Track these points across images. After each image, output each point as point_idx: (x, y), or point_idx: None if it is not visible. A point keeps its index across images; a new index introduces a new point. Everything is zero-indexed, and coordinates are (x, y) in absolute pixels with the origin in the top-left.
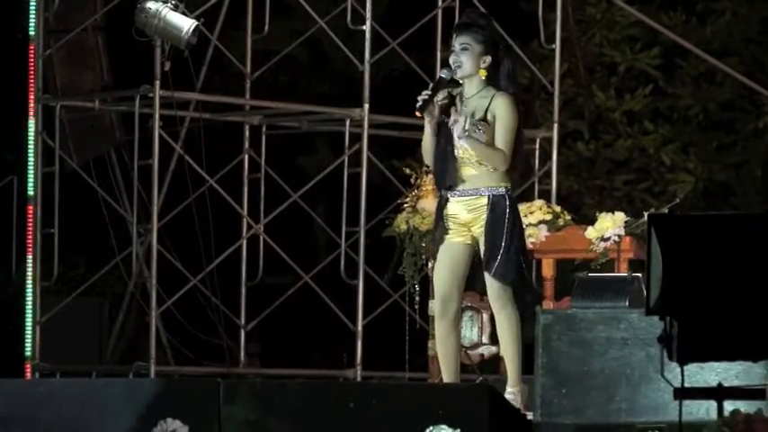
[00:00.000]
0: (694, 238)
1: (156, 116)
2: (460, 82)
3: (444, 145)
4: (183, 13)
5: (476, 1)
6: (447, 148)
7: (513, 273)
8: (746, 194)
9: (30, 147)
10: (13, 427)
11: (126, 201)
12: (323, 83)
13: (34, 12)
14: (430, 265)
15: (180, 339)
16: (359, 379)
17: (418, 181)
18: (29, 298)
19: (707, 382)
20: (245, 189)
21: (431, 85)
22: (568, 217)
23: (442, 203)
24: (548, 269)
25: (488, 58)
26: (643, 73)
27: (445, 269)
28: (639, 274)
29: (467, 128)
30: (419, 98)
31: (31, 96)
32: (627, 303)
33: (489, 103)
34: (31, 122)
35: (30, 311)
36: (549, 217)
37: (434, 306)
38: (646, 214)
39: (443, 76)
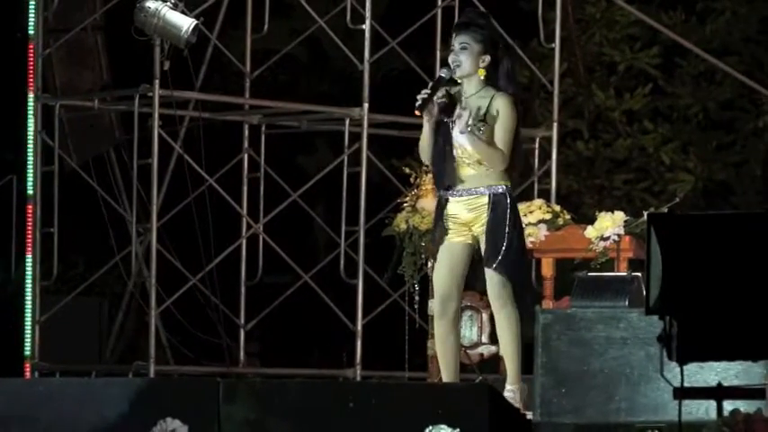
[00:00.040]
0: (694, 238)
1: (156, 115)
2: (459, 81)
3: (442, 145)
4: (183, 13)
5: (475, 0)
6: (445, 148)
7: (514, 269)
8: (746, 194)
9: (29, 146)
10: (12, 426)
11: (125, 200)
12: (322, 82)
13: (33, 11)
14: (429, 264)
15: (179, 339)
16: (358, 378)
17: (418, 180)
18: (28, 297)
19: (706, 382)
20: (245, 188)
21: (430, 85)
22: (568, 216)
23: (442, 203)
24: (547, 268)
25: (487, 58)
26: (643, 72)
27: (445, 269)
28: (639, 274)
29: (470, 123)
30: (418, 97)
31: (31, 95)
32: (626, 303)
33: (489, 104)
34: (31, 122)
35: (29, 311)
36: (548, 216)
37: (434, 306)
38: (645, 214)
39: (443, 75)
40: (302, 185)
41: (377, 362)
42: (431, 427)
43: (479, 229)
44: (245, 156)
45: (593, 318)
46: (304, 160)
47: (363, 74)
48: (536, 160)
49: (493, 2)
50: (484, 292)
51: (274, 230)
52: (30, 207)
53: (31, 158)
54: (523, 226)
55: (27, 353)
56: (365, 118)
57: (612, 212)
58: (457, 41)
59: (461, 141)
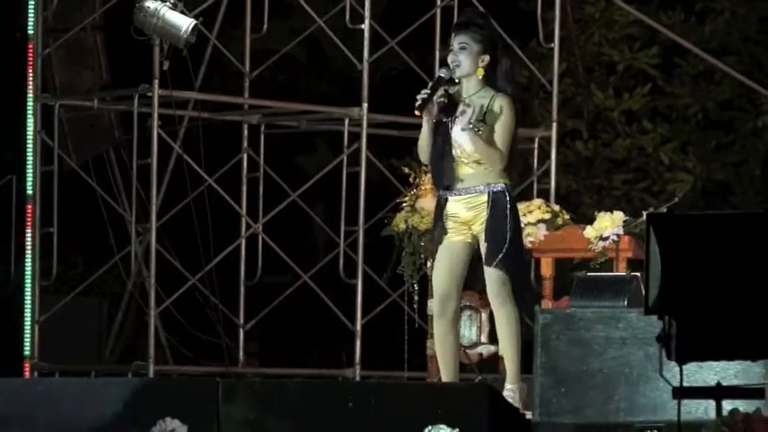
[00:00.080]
0: (693, 238)
1: (155, 115)
2: (458, 81)
3: (441, 144)
4: (182, 12)
5: (474, 0)
6: (444, 148)
7: (514, 267)
8: (745, 193)
9: (28, 146)
10: (12, 426)
11: (125, 200)
12: (322, 82)
13: (33, 11)
14: (429, 264)
15: (179, 339)
16: (358, 378)
17: (417, 180)
18: (28, 297)
19: (705, 382)
20: (244, 188)
21: (430, 85)
22: (567, 216)
23: (441, 203)
24: (546, 268)
25: (487, 58)
26: (642, 72)
27: (444, 268)
28: (638, 274)
29: (472, 121)
30: (418, 97)
31: (30, 95)
32: (625, 303)
33: (488, 104)
34: (30, 121)
35: (28, 311)
36: (547, 216)
37: (433, 305)
38: (644, 213)
39: (442, 75)
40: (301, 185)
41: (376, 362)
42: (430, 427)
43: (479, 227)
44: (245, 155)
45: (593, 318)
46: (303, 160)
47: (362, 74)
48: (535, 160)
49: (492, 2)
50: (483, 292)
51: (274, 230)
52: (29, 207)
53: (30, 158)
54: (522, 226)
55: (26, 353)
56: (364, 118)
57: (612, 212)
58: (456, 41)
59: (460, 140)
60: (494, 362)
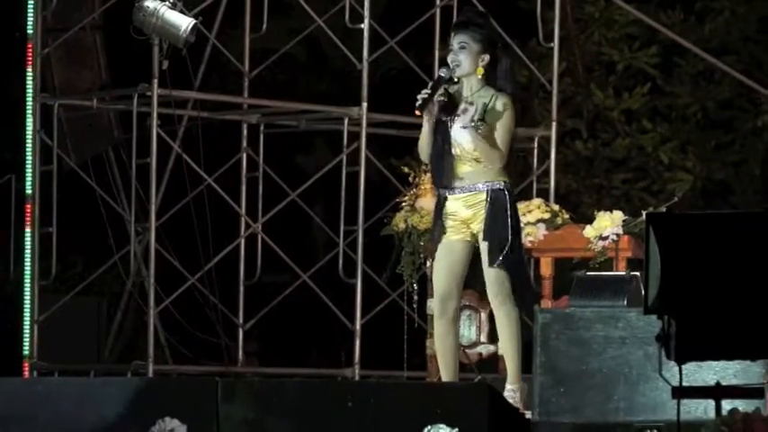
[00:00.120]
0: (693, 237)
1: (155, 115)
2: (456, 80)
3: (441, 143)
4: (181, 12)
5: None
6: (444, 147)
7: (514, 267)
8: (745, 193)
9: (28, 145)
10: (11, 425)
11: (124, 199)
12: (321, 81)
13: (32, 10)
14: (428, 263)
15: (178, 338)
16: (357, 378)
17: (416, 179)
18: (27, 297)
19: (705, 381)
20: (244, 188)
21: (430, 84)
22: (567, 216)
23: (441, 202)
24: (546, 268)
25: (487, 57)
26: (641, 71)
27: (444, 268)
28: (638, 273)
29: (475, 119)
30: (418, 97)
31: (30, 95)
32: (625, 302)
33: (488, 104)
34: (29, 121)
35: (28, 310)
36: (547, 216)
37: (434, 305)
38: (644, 213)
39: (442, 75)
40: (301, 185)
41: (375, 361)
42: (429, 427)
43: (477, 226)
44: (244, 155)
45: (592, 317)
46: (303, 160)
47: (362, 73)
48: (535, 160)
49: (491, 1)
50: (483, 292)
51: (273, 230)
52: (28, 206)
53: (29, 158)
54: (522, 225)
55: (26, 352)
56: (364, 117)
57: (611, 212)
58: (456, 41)
59: (460, 139)
60: (493, 361)
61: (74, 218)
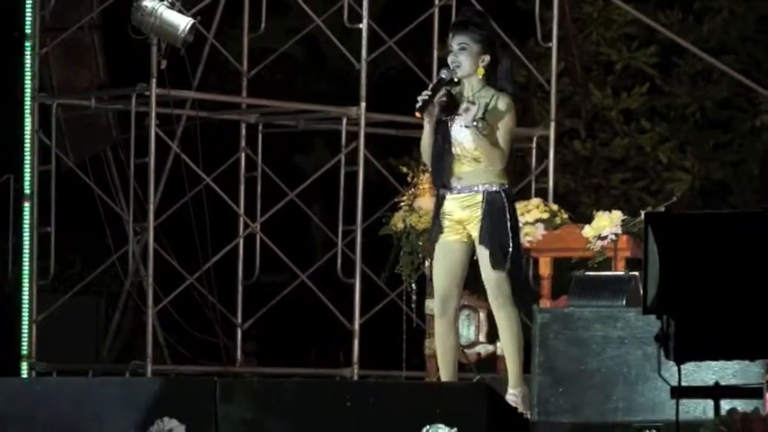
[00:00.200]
0: (691, 237)
1: (153, 114)
2: (457, 81)
3: (441, 143)
4: (180, 12)
5: None
6: (444, 146)
7: (513, 268)
8: (743, 193)
9: (26, 145)
10: (9, 425)
11: (122, 199)
12: (319, 81)
13: (30, 10)
14: (427, 263)
15: (177, 338)
16: (356, 378)
17: (415, 179)
18: (25, 296)
19: (704, 381)
20: (242, 188)
21: (430, 86)
22: (565, 215)
23: (439, 201)
24: (545, 268)
25: (487, 57)
26: (640, 71)
27: (443, 268)
28: (636, 273)
29: (477, 118)
30: (419, 98)
31: (28, 95)
32: (624, 302)
33: (489, 104)
34: (28, 121)
35: (26, 310)
36: (545, 215)
37: (434, 305)
38: (643, 213)
39: (443, 76)
40: (299, 185)
41: (374, 361)
42: (428, 427)
43: (474, 227)
44: (243, 155)
45: (591, 317)
46: (301, 159)
47: (360, 73)
48: (533, 159)
49: (490, 1)
50: (481, 291)
51: (271, 230)
52: (26, 206)
53: (28, 157)
54: (521, 225)
55: (24, 352)
56: (362, 117)
57: (610, 212)
58: (455, 42)
59: (460, 138)
60: (492, 361)
61: (72, 218)
